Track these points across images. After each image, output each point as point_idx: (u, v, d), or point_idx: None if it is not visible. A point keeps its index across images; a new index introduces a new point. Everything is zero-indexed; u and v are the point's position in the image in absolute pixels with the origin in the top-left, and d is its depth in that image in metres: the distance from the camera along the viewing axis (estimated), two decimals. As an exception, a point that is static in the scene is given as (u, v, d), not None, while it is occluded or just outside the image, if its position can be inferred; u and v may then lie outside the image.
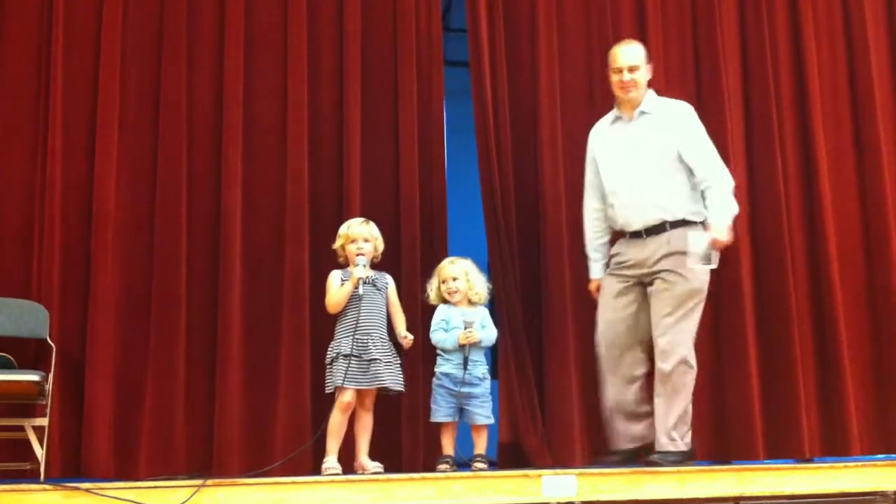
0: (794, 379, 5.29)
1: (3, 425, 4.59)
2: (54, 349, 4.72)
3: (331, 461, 4.47)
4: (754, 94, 5.79)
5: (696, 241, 4.57)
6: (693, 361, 4.63)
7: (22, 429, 4.50)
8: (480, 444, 4.71)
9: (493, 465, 4.91)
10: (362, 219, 4.82)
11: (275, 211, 5.24)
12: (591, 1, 5.81)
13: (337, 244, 4.77)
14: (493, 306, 5.00)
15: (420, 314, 5.07)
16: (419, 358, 5.04)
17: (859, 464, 4.50)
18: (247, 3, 5.42)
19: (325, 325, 4.87)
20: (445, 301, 4.83)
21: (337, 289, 4.65)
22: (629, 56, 4.82)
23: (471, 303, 4.81)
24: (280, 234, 5.21)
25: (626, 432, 4.73)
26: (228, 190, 5.18)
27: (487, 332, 4.77)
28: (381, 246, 4.78)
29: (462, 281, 4.81)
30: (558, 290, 5.39)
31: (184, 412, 4.94)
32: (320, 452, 4.59)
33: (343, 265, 4.74)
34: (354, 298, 4.60)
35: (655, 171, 4.72)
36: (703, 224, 4.65)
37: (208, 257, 5.15)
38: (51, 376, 4.61)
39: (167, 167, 5.17)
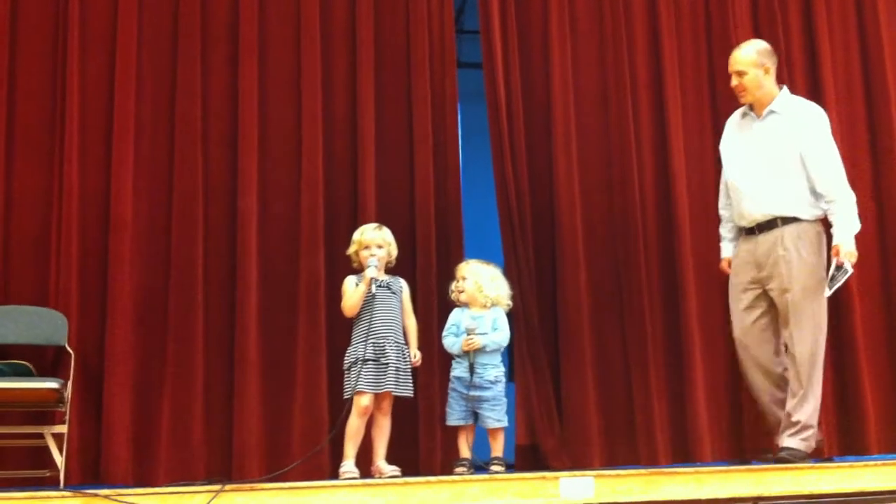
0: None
1: (23, 433, 4.63)
2: (73, 356, 4.75)
3: (348, 465, 4.48)
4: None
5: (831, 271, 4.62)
6: (821, 360, 4.72)
7: (41, 436, 4.52)
8: (497, 447, 4.70)
9: (511, 467, 4.91)
10: (375, 224, 4.83)
11: (290, 217, 5.25)
12: (604, 2, 5.81)
13: (351, 250, 4.79)
14: (510, 309, 4.99)
15: (436, 318, 5.10)
16: (435, 361, 5.05)
17: (878, 463, 4.49)
18: (260, 10, 5.42)
19: (341, 329, 4.90)
20: (457, 300, 4.85)
21: (352, 292, 4.67)
22: (734, 60, 4.89)
23: (485, 305, 4.80)
24: (296, 240, 5.22)
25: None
26: (244, 196, 5.19)
27: (496, 335, 4.74)
28: (394, 251, 4.80)
29: (470, 282, 4.81)
30: (574, 291, 5.39)
31: (202, 418, 4.96)
32: (338, 457, 4.61)
33: (358, 270, 4.76)
34: (369, 302, 4.62)
35: (775, 168, 4.75)
36: (815, 223, 4.73)
37: (225, 264, 5.17)
38: (69, 383, 4.64)
39: (183, 174, 5.18)
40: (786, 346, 4.78)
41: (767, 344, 4.83)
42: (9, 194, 5.05)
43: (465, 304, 4.83)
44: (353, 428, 4.53)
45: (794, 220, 4.71)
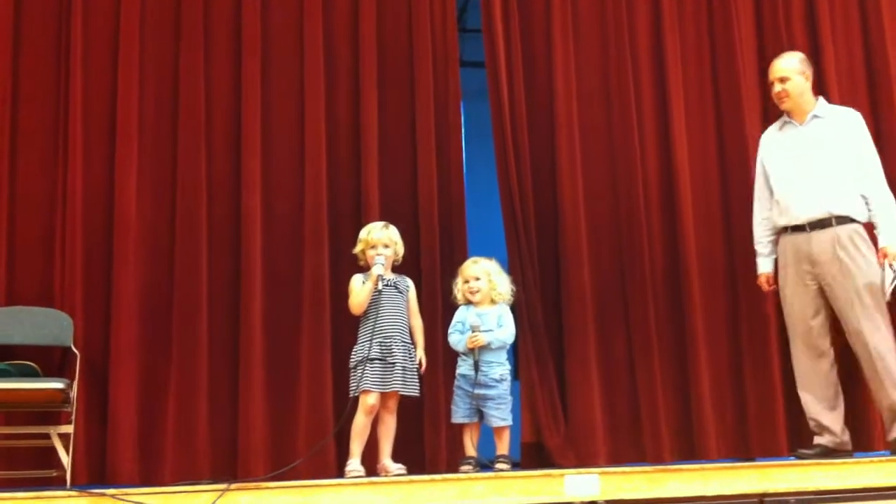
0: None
1: (30, 433, 4.64)
2: (79, 357, 4.75)
3: (354, 463, 4.48)
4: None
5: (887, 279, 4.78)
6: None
7: (48, 436, 4.54)
8: (502, 445, 4.71)
9: (516, 465, 4.91)
10: (382, 223, 4.81)
11: (294, 215, 5.26)
12: (606, 0, 5.81)
13: (357, 249, 4.78)
14: (514, 306, 4.99)
15: (440, 316, 5.10)
16: (440, 360, 5.05)
17: (883, 459, 4.49)
18: (263, 9, 5.43)
19: (345, 327, 4.90)
20: (468, 301, 4.84)
21: (358, 289, 4.67)
22: (777, 67, 5.05)
23: (493, 302, 4.81)
24: (300, 238, 5.22)
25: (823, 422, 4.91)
26: (248, 195, 5.19)
27: (501, 332, 4.75)
28: (401, 250, 4.79)
29: (484, 281, 4.81)
30: (578, 288, 5.39)
31: (207, 417, 4.96)
32: (343, 455, 4.61)
33: (364, 269, 4.75)
34: (376, 301, 4.61)
35: (827, 169, 4.89)
36: (863, 225, 4.87)
37: (229, 263, 5.17)
38: (75, 384, 4.65)
39: (187, 173, 5.19)
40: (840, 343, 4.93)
41: (822, 339, 4.93)
42: (13, 195, 5.05)
43: (471, 302, 4.83)
44: (359, 426, 4.52)
45: (848, 219, 4.85)
